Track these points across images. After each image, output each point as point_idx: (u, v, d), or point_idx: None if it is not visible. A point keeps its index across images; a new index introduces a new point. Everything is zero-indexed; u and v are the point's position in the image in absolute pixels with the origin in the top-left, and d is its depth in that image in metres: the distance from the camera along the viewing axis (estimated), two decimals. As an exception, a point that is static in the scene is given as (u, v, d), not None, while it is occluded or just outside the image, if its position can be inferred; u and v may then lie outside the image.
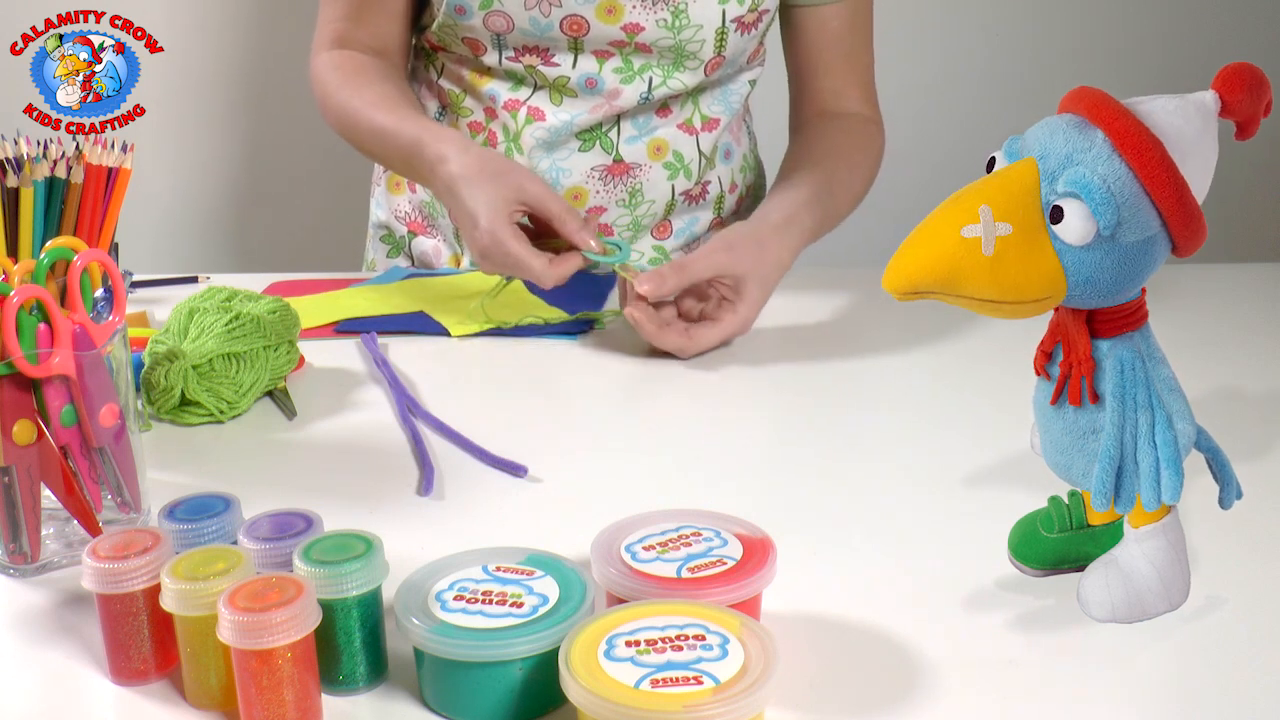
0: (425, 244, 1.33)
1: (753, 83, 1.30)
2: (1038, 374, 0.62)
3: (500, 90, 1.23)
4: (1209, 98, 0.57)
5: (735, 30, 1.19)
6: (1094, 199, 0.54)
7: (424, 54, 1.30)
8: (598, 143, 1.23)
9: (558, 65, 1.20)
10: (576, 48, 1.19)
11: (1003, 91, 2.02)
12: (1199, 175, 0.56)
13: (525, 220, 1.05)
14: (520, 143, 1.23)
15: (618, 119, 1.23)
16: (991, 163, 0.58)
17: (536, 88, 1.22)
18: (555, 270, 1.01)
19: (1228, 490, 0.63)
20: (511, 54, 1.20)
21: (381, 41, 1.25)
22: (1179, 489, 0.57)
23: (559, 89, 1.21)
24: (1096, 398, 0.59)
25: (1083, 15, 2.01)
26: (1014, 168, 0.56)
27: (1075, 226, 0.54)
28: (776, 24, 1.28)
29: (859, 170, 1.25)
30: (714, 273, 1.03)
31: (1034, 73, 2.01)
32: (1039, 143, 0.56)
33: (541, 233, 1.04)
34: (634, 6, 1.16)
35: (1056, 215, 0.54)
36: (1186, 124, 0.56)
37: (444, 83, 1.27)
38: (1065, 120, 0.56)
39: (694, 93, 1.25)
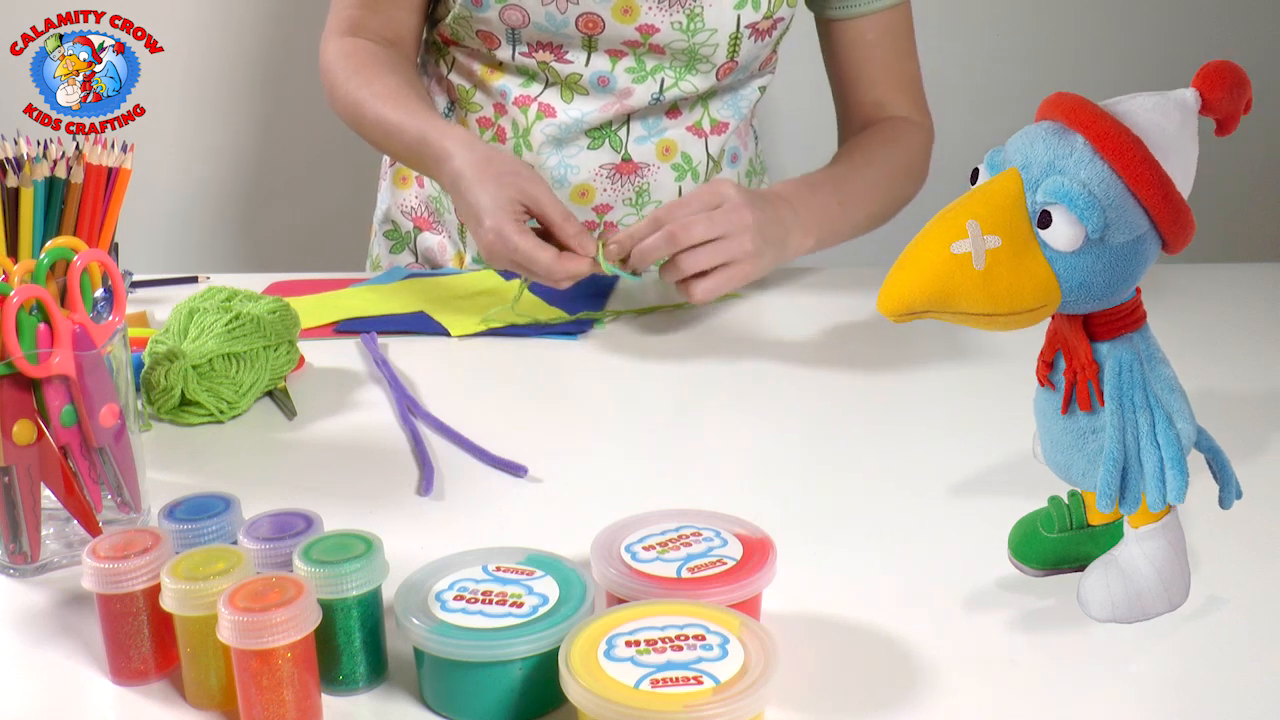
0: (430, 240, 1.33)
1: (763, 89, 1.30)
2: (1041, 385, 0.61)
3: (511, 86, 1.23)
4: (1189, 95, 0.57)
5: (749, 36, 1.19)
6: (1077, 205, 0.54)
7: (435, 48, 1.30)
8: (607, 141, 1.23)
9: (571, 62, 1.20)
10: (590, 45, 1.19)
11: (1002, 93, 2.02)
12: (1181, 171, 0.56)
13: (533, 223, 1.05)
14: (529, 139, 1.23)
15: (628, 118, 1.23)
16: (975, 175, 0.58)
17: (548, 84, 1.22)
18: (565, 265, 1.00)
19: (1227, 490, 0.62)
20: (525, 49, 1.20)
21: (395, 31, 1.25)
22: (1184, 488, 0.57)
23: (570, 86, 1.21)
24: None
25: (1083, 16, 2.01)
26: (998, 180, 0.56)
27: (1064, 232, 0.54)
28: (791, 33, 1.28)
29: (883, 162, 1.22)
30: (699, 203, 1.02)
31: (1034, 75, 2.01)
32: (1020, 152, 0.56)
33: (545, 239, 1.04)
34: (650, 7, 1.16)
35: (1045, 220, 0.54)
36: (1166, 120, 0.56)
37: (454, 77, 1.27)
38: (1044, 128, 0.56)
39: (705, 96, 1.25)
